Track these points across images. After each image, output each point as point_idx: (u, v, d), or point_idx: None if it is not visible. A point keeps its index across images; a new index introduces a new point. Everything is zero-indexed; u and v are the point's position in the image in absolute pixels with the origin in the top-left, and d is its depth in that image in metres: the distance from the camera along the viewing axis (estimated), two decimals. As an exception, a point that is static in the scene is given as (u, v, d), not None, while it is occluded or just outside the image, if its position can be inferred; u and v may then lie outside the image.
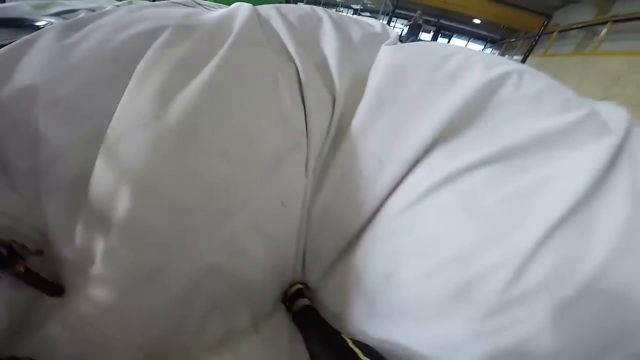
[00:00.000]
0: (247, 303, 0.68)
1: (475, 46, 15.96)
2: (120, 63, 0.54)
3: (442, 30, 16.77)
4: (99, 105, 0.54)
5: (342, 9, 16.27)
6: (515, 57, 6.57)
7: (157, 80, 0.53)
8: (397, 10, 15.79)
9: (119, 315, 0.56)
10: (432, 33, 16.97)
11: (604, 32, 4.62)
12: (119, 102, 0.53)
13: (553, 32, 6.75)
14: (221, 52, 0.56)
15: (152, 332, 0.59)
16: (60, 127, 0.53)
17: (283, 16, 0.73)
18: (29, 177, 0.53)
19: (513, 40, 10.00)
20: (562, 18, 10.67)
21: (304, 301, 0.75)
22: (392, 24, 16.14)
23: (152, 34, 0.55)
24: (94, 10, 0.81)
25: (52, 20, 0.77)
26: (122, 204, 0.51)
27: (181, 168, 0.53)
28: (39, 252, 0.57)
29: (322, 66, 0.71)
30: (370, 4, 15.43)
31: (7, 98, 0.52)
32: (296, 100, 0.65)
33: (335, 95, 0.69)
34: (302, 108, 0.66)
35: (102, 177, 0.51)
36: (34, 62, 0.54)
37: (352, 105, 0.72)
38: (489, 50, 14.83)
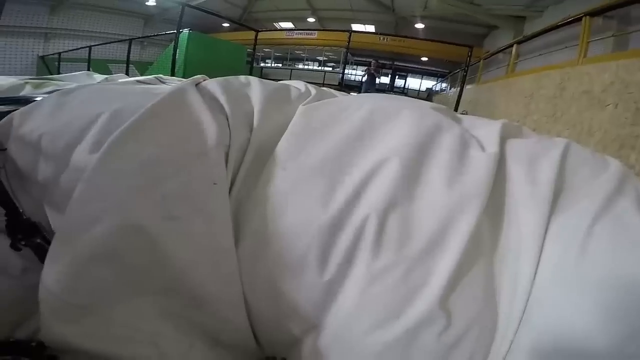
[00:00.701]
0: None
1: (429, 82, 17.68)
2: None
3: (397, 72, 18.66)
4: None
5: (307, 62, 17.95)
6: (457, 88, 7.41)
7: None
8: (355, 59, 17.71)
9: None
10: (389, 76, 18.76)
11: (513, 53, 5.41)
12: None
13: (480, 60, 7.72)
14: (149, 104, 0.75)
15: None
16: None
17: (218, 82, 0.99)
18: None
19: (456, 72, 11.21)
20: (490, 44, 12.24)
21: None
22: (350, 70, 17.89)
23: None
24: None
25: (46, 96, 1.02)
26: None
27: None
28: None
29: (248, 114, 0.95)
30: (331, 56, 17.14)
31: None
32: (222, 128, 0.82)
33: (252, 132, 0.92)
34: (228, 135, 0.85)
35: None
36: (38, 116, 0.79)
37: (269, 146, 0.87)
38: (440, 84, 16.37)
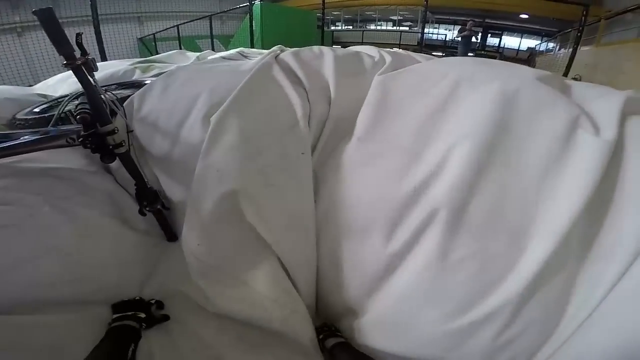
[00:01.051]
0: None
1: (531, 42, 14.83)
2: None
3: (490, 30, 15.99)
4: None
5: (380, 22, 16.71)
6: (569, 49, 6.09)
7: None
8: (437, 17, 15.68)
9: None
10: (480, 35, 16.23)
11: None
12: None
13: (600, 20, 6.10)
14: (242, 82, 0.84)
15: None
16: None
17: (293, 55, 1.02)
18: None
19: (567, 31, 9.14)
20: (614, 1, 9.40)
21: (336, 339, 0.73)
22: (431, 30, 15.99)
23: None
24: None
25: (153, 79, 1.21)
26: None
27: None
28: (167, 208, 0.88)
29: (324, 87, 0.96)
30: (407, 15, 15.50)
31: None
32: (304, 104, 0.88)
33: (330, 105, 0.92)
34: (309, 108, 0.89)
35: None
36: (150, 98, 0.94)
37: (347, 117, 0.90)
38: (545, 44, 13.57)
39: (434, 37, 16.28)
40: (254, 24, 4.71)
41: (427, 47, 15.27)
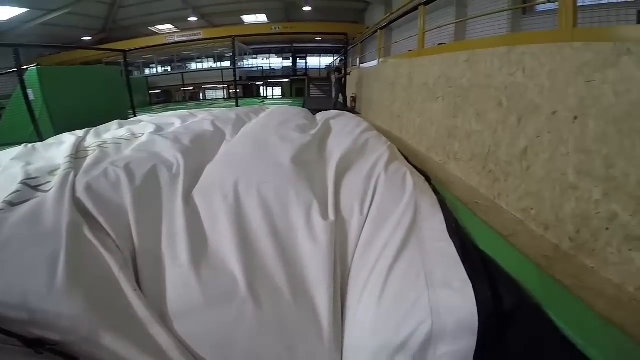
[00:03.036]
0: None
1: (329, 59, 18.30)
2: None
3: (297, 54, 18.94)
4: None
5: (201, 59, 16.69)
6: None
7: None
8: (252, 47, 17.29)
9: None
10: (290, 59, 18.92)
11: (378, 39, 5.89)
12: None
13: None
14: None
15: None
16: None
17: (90, 191, 1.00)
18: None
19: (350, 47, 11.85)
20: (369, 19, 13.10)
21: None
22: (250, 61, 17.45)
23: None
24: None
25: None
26: None
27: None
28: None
29: (126, 226, 0.96)
30: (226, 51, 16.27)
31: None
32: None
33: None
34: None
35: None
36: None
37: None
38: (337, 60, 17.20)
39: (255, 67, 17.69)
40: (32, 96, 3.71)
41: (248, 79, 16.58)
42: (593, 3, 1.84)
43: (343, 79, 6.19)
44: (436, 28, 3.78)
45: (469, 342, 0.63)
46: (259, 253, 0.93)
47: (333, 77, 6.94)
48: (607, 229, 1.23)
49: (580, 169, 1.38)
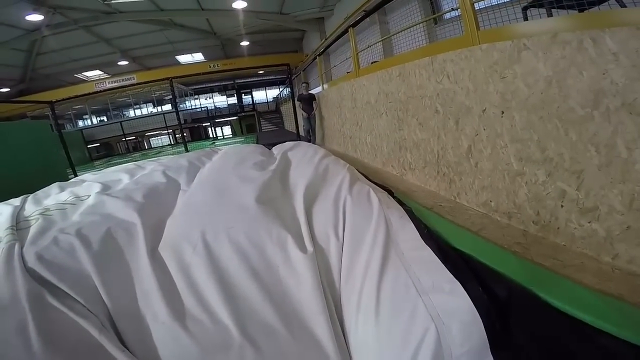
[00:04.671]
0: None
1: (274, 91, 18.67)
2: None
3: (241, 90, 19.06)
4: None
5: (138, 105, 15.96)
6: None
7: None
8: (193, 88, 17.03)
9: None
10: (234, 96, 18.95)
11: (318, 65, 6.18)
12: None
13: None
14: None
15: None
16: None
17: (42, 260, 0.89)
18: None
19: (293, 77, 12.37)
20: (307, 46, 13.79)
21: None
22: (194, 101, 17.07)
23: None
24: None
25: None
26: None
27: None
28: None
29: (93, 288, 0.87)
30: (164, 93, 15.83)
31: None
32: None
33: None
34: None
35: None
36: None
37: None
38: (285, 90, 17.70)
39: (202, 108, 17.42)
40: None
41: (193, 120, 16.25)
42: (487, 5, 2.14)
43: (307, 110, 5.32)
44: (366, 48, 4.10)
45: (481, 338, 0.65)
46: (244, 297, 0.89)
47: (299, 109, 5.63)
48: (562, 206, 1.38)
49: (520, 157, 1.55)
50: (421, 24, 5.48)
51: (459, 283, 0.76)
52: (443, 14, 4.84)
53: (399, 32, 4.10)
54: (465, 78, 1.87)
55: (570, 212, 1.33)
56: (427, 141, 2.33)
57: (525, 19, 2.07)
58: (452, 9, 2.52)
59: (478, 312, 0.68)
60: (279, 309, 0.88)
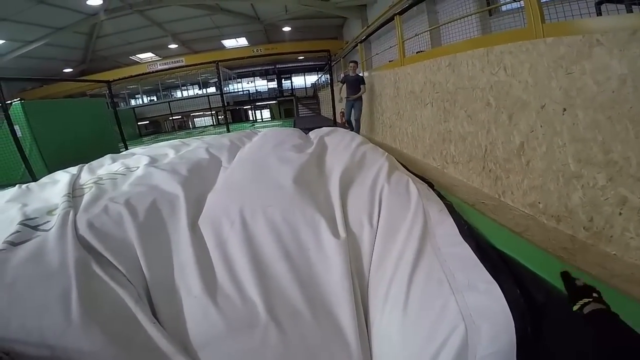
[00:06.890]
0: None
1: (313, 77, 18.61)
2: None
3: (282, 75, 19.26)
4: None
5: (187, 87, 16.81)
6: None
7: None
8: (236, 72, 17.53)
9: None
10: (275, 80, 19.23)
11: (359, 53, 6.02)
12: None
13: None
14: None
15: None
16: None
17: (92, 227, 0.98)
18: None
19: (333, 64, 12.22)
20: (347, 34, 13.54)
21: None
22: (236, 85, 17.61)
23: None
24: None
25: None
26: None
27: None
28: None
29: (134, 258, 0.94)
30: (209, 77, 16.46)
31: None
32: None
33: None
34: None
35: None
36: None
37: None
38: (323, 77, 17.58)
39: (240, 92, 17.86)
40: (19, 132, 3.59)
41: (235, 103, 16.76)
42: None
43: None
44: (414, 36, 3.90)
45: (509, 342, 0.61)
46: (274, 277, 0.91)
47: (341, 92, 4.68)
48: (620, 214, 1.24)
49: (579, 158, 1.40)
50: (474, 15, 5.13)
51: (496, 284, 0.71)
52: (505, 4, 4.43)
53: (450, 22, 3.83)
54: (524, 71, 1.72)
55: (629, 221, 1.19)
56: (475, 134, 2.19)
57: (598, 14, 1.84)
58: (515, 0, 2.30)
59: (512, 315, 0.64)
60: (306, 292, 0.88)
